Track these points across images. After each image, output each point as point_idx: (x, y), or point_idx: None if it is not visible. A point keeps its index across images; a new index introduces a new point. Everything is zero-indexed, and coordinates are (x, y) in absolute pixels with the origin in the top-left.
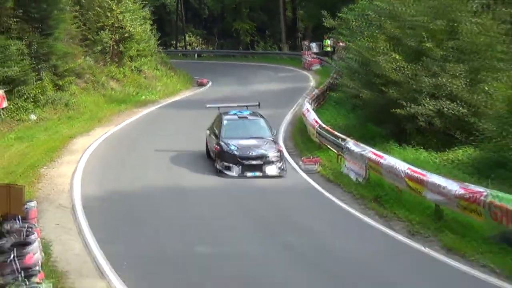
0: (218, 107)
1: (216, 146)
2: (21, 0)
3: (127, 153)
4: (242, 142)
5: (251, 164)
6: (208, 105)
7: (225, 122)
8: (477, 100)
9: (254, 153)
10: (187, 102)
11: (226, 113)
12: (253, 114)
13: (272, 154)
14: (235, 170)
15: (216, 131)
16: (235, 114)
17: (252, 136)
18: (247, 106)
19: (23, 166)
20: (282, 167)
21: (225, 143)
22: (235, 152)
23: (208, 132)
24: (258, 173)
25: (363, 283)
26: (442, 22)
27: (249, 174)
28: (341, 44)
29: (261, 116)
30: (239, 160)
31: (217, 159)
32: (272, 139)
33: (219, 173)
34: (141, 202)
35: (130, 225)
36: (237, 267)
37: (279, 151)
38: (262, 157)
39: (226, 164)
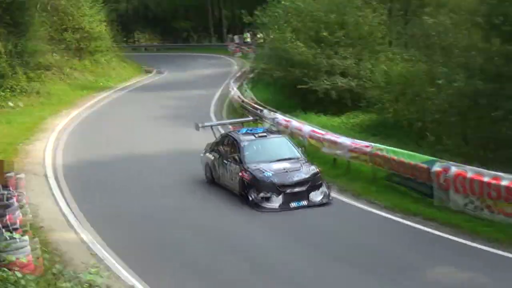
0: (211, 126)
1: (244, 174)
2: None
3: (91, 129)
4: (275, 166)
5: (293, 192)
6: (200, 125)
7: (244, 143)
8: (363, 75)
9: (295, 178)
10: (137, 87)
11: (237, 132)
12: (269, 131)
13: (314, 178)
14: (276, 201)
15: (233, 155)
16: (247, 132)
17: (281, 157)
18: (242, 123)
19: (3, 144)
20: (326, 191)
21: (254, 168)
22: (272, 179)
23: (211, 156)
24: (303, 202)
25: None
26: (334, 16)
27: (293, 204)
28: (257, 35)
29: (278, 132)
30: (279, 188)
31: (249, 190)
32: (305, 159)
33: (256, 207)
34: (104, 167)
35: (95, 187)
36: (184, 216)
37: (319, 172)
38: (304, 182)
39: (263, 195)
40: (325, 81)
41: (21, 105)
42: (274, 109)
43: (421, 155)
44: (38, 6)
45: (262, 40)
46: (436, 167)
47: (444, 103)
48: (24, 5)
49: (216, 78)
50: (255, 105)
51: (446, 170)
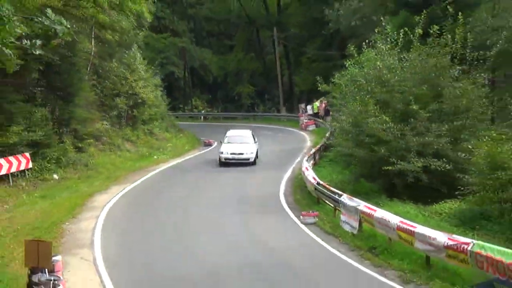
0: None
1: None
2: (45, 72)
3: (143, 209)
4: None
5: None
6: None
7: None
8: (460, 157)
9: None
10: (195, 161)
11: None
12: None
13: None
14: None
15: None
16: None
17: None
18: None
19: (48, 222)
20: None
21: None
22: None
23: None
24: None
25: None
26: (426, 87)
27: None
28: (323, 105)
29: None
30: None
31: None
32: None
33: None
34: (157, 254)
35: (150, 277)
36: None
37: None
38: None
39: None
40: (415, 162)
41: (67, 177)
42: (341, 192)
43: None
44: (88, 68)
45: (340, 112)
46: None
47: None
48: (74, 67)
49: (286, 155)
50: (332, 188)
51: None
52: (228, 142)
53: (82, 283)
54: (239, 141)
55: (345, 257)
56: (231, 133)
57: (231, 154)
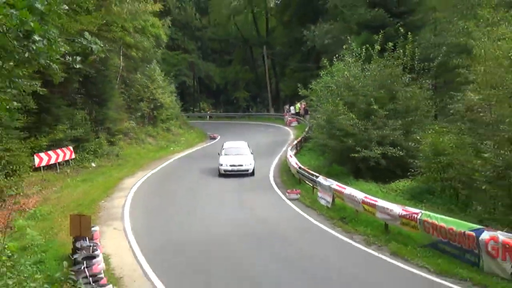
0: None
1: None
2: (84, 82)
3: (163, 188)
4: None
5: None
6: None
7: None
8: (410, 145)
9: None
10: (203, 152)
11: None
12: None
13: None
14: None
15: None
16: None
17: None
18: None
19: (88, 200)
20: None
21: None
22: None
23: None
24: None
25: (331, 276)
26: (384, 91)
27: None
28: (302, 106)
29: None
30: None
31: None
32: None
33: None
34: (175, 223)
35: (168, 242)
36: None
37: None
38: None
39: None
40: (376, 150)
41: (102, 165)
42: (318, 174)
43: (469, 224)
44: (118, 79)
45: (315, 111)
46: (484, 235)
47: (492, 175)
48: (106, 78)
49: (274, 146)
50: (311, 171)
51: (494, 238)
52: (226, 154)
53: (115, 247)
54: (236, 152)
55: (322, 225)
56: (228, 145)
57: (231, 166)
